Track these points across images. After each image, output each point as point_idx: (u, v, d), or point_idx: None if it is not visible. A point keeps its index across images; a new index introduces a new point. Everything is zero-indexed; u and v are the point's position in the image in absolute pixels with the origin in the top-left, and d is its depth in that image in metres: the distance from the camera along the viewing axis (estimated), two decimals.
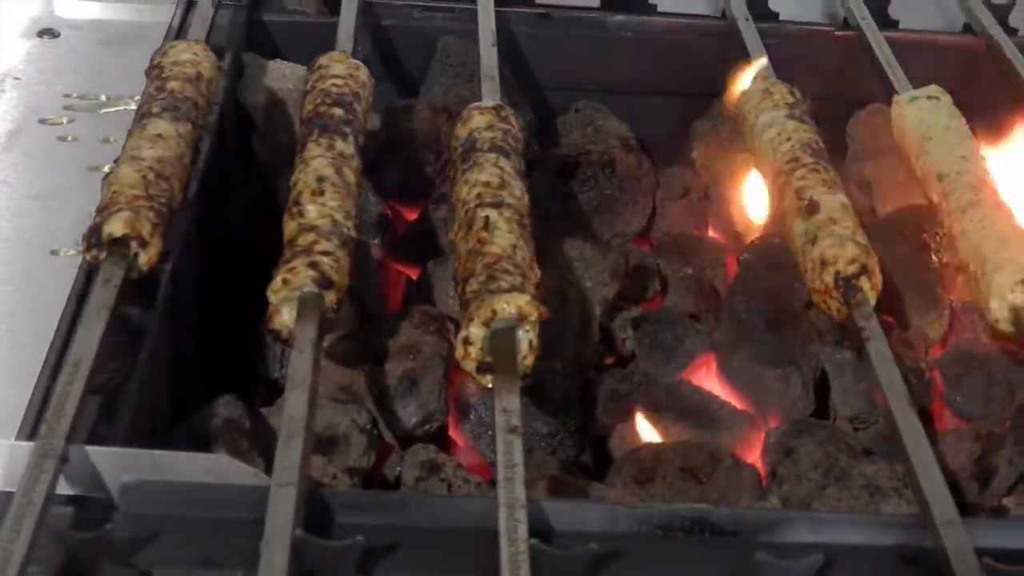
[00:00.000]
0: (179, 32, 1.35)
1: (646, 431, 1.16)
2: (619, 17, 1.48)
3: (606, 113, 1.47)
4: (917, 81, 1.25)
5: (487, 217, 0.95)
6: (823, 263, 0.96)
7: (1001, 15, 1.44)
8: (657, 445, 1.12)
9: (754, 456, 1.14)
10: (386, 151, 1.36)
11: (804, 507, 1.05)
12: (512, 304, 0.88)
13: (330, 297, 0.92)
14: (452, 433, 1.16)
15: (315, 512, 0.82)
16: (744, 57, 1.28)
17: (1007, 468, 1.12)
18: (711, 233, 1.41)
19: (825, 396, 1.19)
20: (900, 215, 1.29)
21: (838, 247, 0.96)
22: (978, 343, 1.23)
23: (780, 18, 1.46)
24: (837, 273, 0.95)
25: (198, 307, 1.19)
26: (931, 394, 1.20)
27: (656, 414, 1.16)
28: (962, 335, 1.25)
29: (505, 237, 0.94)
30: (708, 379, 1.22)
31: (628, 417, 1.16)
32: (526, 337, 0.89)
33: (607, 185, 1.36)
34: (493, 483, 1.09)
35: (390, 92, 1.45)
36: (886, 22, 1.45)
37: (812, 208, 0.99)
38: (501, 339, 0.89)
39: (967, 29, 1.45)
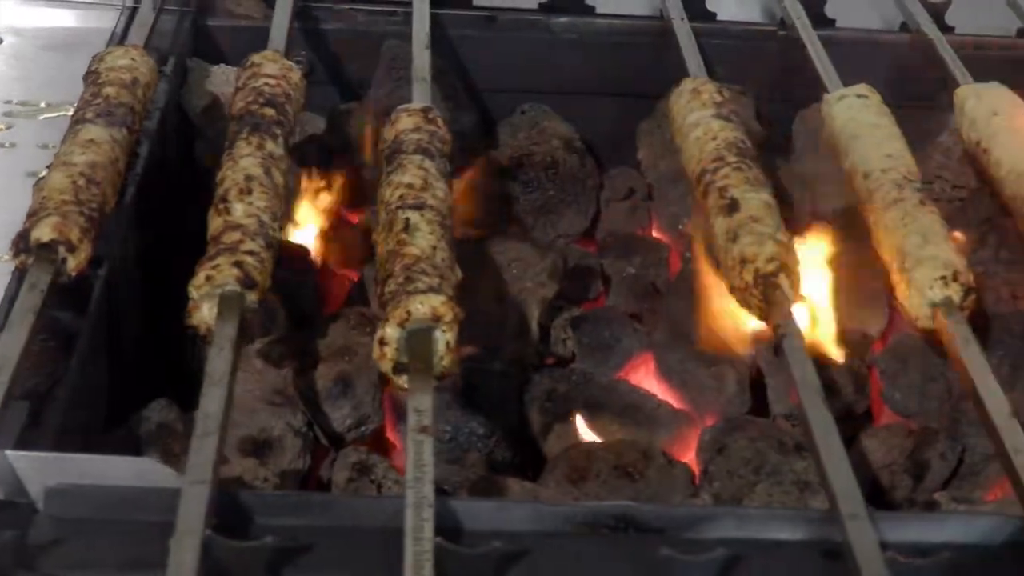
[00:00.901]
0: (122, 38, 1.36)
1: (583, 430, 1.17)
2: (564, 19, 1.49)
3: (551, 115, 1.47)
4: (854, 79, 1.26)
5: (407, 219, 0.96)
6: (743, 261, 0.96)
7: (937, 12, 1.45)
8: (590, 444, 1.13)
9: (691, 454, 1.15)
10: (329, 154, 1.37)
11: (735, 503, 1.06)
12: (427, 305, 0.88)
13: (251, 297, 0.93)
14: (389, 435, 1.16)
15: (233, 513, 0.82)
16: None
17: (940, 463, 1.13)
18: (654, 233, 1.41)
19: (764, 394, 1.21)
20: (842, 213, 1.29)
21: (758, 245, 0.96)
22: (916, 340, 1.23)
23: (718, 18, 1.46)
24: (756, 271, 0.96)
25: (136, 310, 1.19)
26: (868, 391, 1.20)
27: (593, 413, 1.17)
28: (902, 332, 1.26)
29: (425, 238, 0.94)
30: (647, 378, 1.23)
31: (565, 417, 1.17)
32: (443, 338, 0.90)
33: (550, 186, 1.36)
34: None
35: (335, 95, 1.46)
36: (822, 21, 1.45)
37: (733, 206, 1.00)
38: (418, 339, 0.89)
39: (904, 27, 1.45)
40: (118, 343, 1.15)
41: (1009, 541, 0.83)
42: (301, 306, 1.21)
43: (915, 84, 1.36)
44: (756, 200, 1.01)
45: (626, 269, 1.33)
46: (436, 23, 1.43)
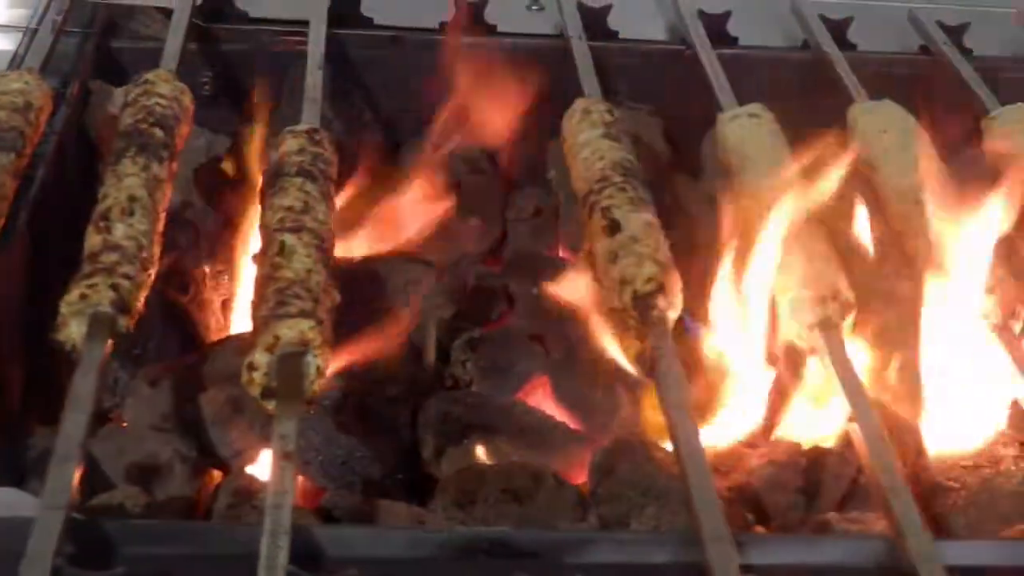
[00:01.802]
0: (22, 61, 1.34)
1: (477, 454, 1.16)
2: (469, 39, 1.48)
3: (460, 134, 1.46)
4: (757, 98, 1.26)
5: (283, 242, 0.95)
6: (622, 282, 0.96)
7: (839, 30, 1.45)
8: (480, 467, 1.12)
9: (586, 476, 1.14)
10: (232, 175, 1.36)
11: (622, 526, 1.05)
12: (295, 329, 0.88)
13: (123, 322, 0.92)
14: None
15: (94, 542, 0.81)
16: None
17: (833, 483, 1.12)
18: (561, 253, 1.41)
19: None
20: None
21: (636, 266, 0.96)
22: None
23: (625, 37, 1.46)
24: (635, 292, 0.95)
25: (26, 335, 1.18)
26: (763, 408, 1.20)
27: (487, 436, 1.16)
28: None
29: (301, 262, 0.94)
30: (545, 400, 1.22)
31: (459, 440, 1.16)
32: (314, 362, 0.89)
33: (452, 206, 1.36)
34: (318, 510, 1.10)
35: (239, 116, 1.45)
36: (725, 39, 1.45)
37: (615, 227, 0.99)
38: (287, 364, 0.88)
39: (805, 45, 1.46)
40: (4, 369, 1.13)
41: (874, 562, 0.83)
42: (193, 330, 1.20)
43: (816, 102, 1.36)
44: (638, 220, 1.00)
45: (531, 289, 1.32)
46: (339, 43, 1.43)
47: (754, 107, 1.18)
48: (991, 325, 0.97)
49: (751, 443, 1.17)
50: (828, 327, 0.96)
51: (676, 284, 0.97)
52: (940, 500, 1.12)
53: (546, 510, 1.08)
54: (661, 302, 0.95)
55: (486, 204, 1.38)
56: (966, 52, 1.47)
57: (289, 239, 0.95)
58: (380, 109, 1.50)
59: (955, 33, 1.49)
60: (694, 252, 1.33)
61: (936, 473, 1.13)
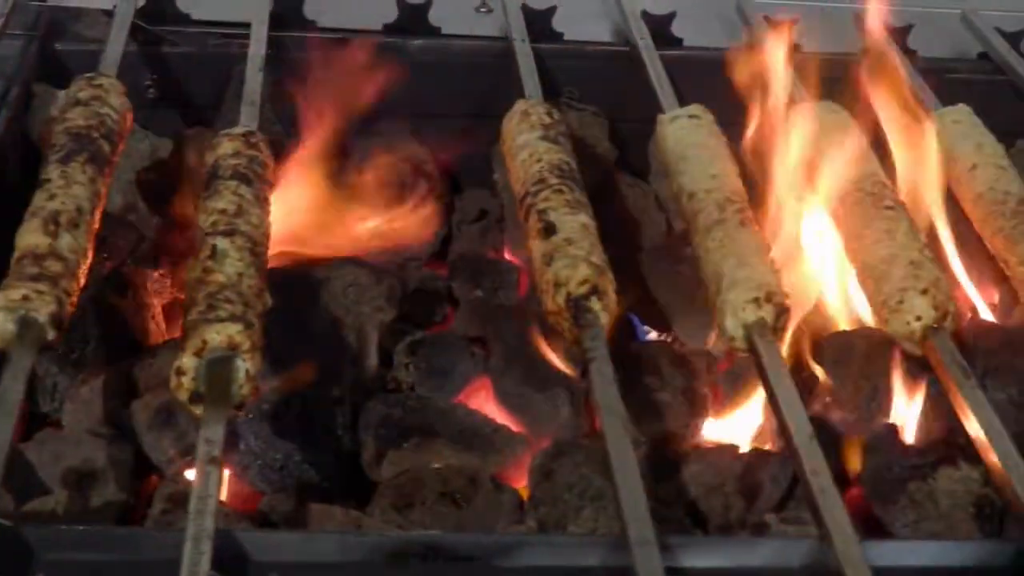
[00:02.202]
0: None
1: (417, 457, 1.15)
2: (419, 41, 1.48)
3: (405, 135, 1.46)
4: (699, 99, 1.26)
5: (215, 246, 0.94)
6: (556, 284, 0.96)
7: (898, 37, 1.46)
8: (418, 471, 1.11)
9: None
10: (173, 179, 1.35)
11: (560, 529, 1.05)
12: (223, 334, 0.87)
13: (53, 336, 0.91)
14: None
15: (13, 549, 0.81)
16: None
17: (771, 485, 1.12)
18: (506, 255, 1.40)
19: None
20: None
21: (571, 268, 0.96)
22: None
23: (572, 39, 1.46)
24: (568, 294, 0.95)
25: None
26: (705, 411, 1.20)
27: (427, 439, 1.15)
28: None
29: (233, 265, 0.93)
30: (487, 403, 1.22)
31: (399, 443, 1.15)
32: (243, 366, 0.88)
33: None
34: (256, 514, 1.10)
35: (183, 119, 1.44)
36: (669, 40, 1.45)
37: (550, 229, 0.99)
38: (216, 368, 0.88)
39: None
40: None
41: (802, 564, 0.82)
42: (133, 334, 1.19)
43: None
44: (574, 223, 1.00)
45: (474, 292, 1.32)
46: (284, 46, 1.43)
47: (694, 108, 1.18)
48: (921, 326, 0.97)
49: (693, 445, 1.17)
50: (763, 329, 0.96)
51: (611, 286, 0.96)
52: (883, 500, 1.12)
53: (484, 513, 1.08)
54: (595, 304, 0.95)
55: (429, 207, 1.37)
56: (909, 52, 1.48)
57: (221, 243, 0.95)
58: (326, 111, 1.49)
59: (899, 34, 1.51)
60: (639, 253, 1.34)
61: (880, 471, 1.14)
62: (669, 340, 1.29)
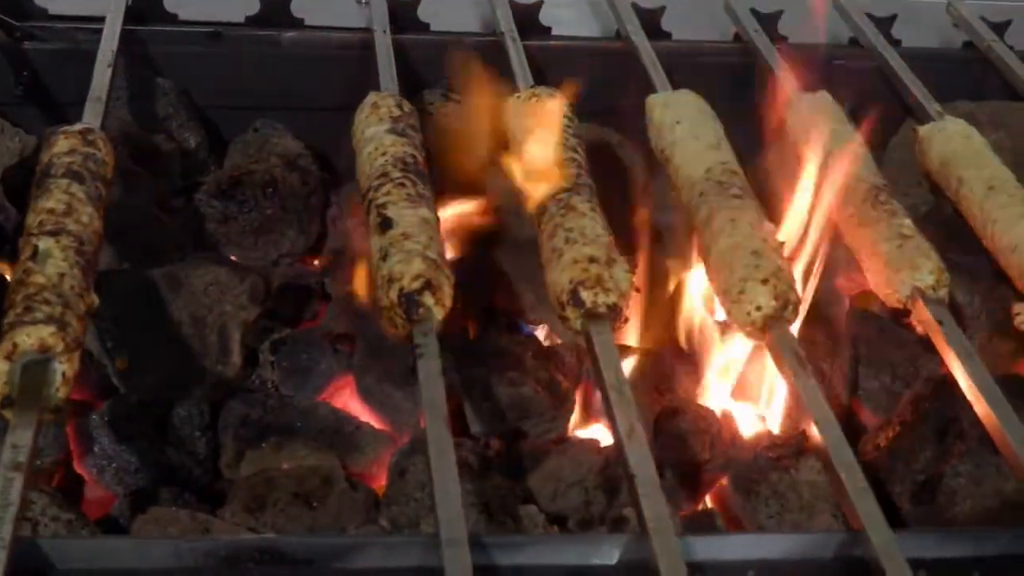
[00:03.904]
0: None
1: (276, 457, 1.14)
2: (292, 34, 1.46)
3: (282, 131, 1.44)
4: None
5: (37, 246, 0.92)
6: (390, 280, 0.94)
7: (769, 24, 1.46)
8: (272, 471, 1.09)
9: None
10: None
11: (413, 528, 1.04)
12: (34, 336, 0.85)
13: None
14: (77, 467, 1.12)
15: None
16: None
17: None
18: None
19: None
20: None
21: (405, 263, 0.94)
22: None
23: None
24: (401, 289, 0.93)
25: None
26: (570, 404, 1.18)
27: (286, 439, 1.13)
28: None
29: (56, 266, 0.91)
30: (352, 400, 1.20)
31: (258, 443, 1.13)
32: (60, 369, 0.86)
33: (268, 205, 1.33)
34: (107, 519, 1.08)
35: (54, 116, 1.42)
36: (537, 29, 1.43)
37: (387, 224, 0.97)
38: (29, 372, 0.86)
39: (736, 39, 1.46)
40: None
41: (620, 560, 0.81)
42: None
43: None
44: (413, 217, 0.98)
45: (346, 288, 1.30)
46: (152, 41, 1.40)
47: (542, 90, 1.17)
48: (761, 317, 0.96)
49: (556, 440, 1.16)
50: (597, 319, 0.94)
51: (447, 282, 0.95)
52: (745, 491, 1.11)
53: (337, 513, 1.06)
54: (428, 300, 0.93)
55: (302, 202, 1.35)
56: (895, 43, 1.48)
57: (44, 243, 0.93)
58: (208, 106, 1.47)
59: (884, 24, 1.50)
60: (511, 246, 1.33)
61: (742, 464, 1.13)
62: (541, 333, 1.28)
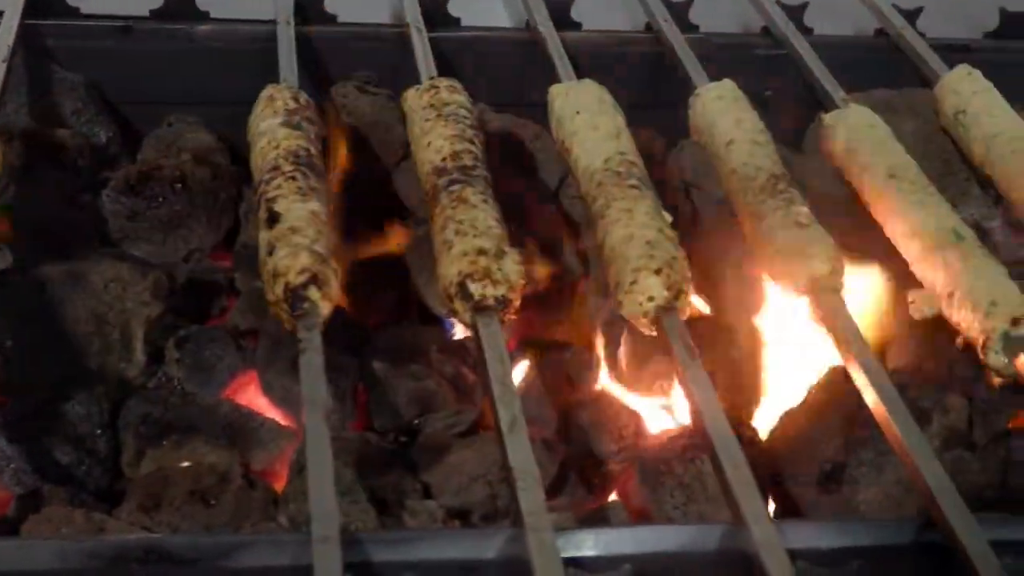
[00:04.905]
0: None
1: (177, 455, 1.12)
2: (206, 27, 1.44)
3: (196, 125, 1.42)
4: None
5: None
6: (275, 275, 0.93)
7: (680, 12, 1.45)
8: (168, 469, 1.08)
9: None
10: None
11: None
12: None
13: None
14: None
15: None
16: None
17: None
18: None
19: None
20: None
21: (291, 257, 0.93)
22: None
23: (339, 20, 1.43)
24: (287, 284, 0.92)
25: None
26: (476, 398, 1.17)
27: (187, 437, 1.12)
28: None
29: None
30: (258, 397, 1.19)
31: (159, 441, 1.12)
32: None
33: (176, 200, 1.31)
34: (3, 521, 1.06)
35: None
36: (446, 20, 1.42)
37: (274, 218, 0.96)
38: None
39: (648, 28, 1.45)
40: None
41: (496, 555, 0.80)
42: None
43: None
44: (302, 211, 0.97)
45: (254, 283, 1.28)
46: (62, 35, 1.39)
47: (441, 80, 1.16)
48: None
49: (461, 434, 1.15)
50: (485, 312, 0.93)
51: (334, 276, 0.93)
52: (651, 483, 1.11)
53: (234, 511, 1.05)
54: (313, 294, 0.92)
55: (212, 198, 1.34)
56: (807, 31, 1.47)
57: None
58: (122, 101, 1.45)
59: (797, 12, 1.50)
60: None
61: (649, 456, 1.12)
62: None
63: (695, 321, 1.22)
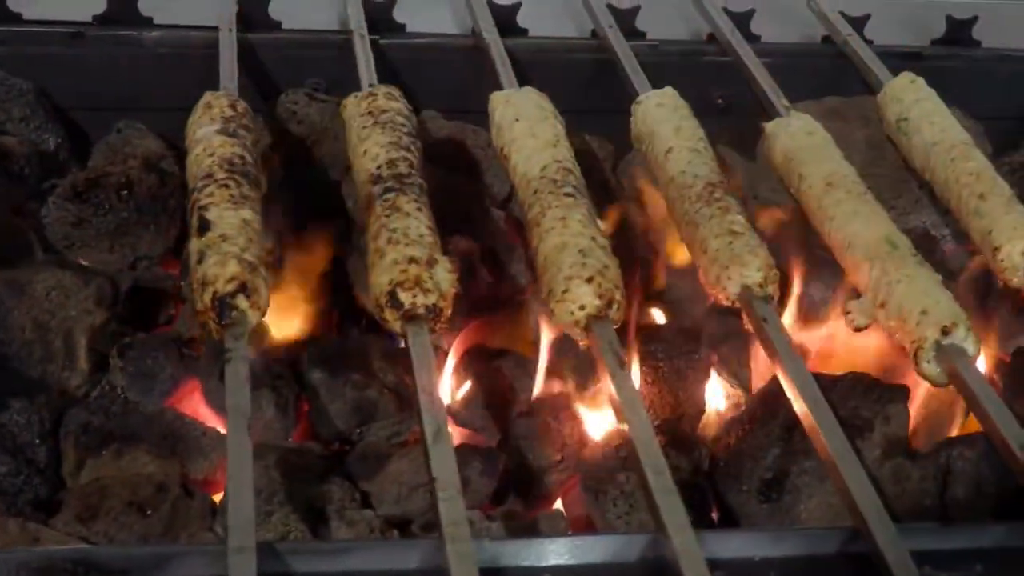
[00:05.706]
0: None
1: (117, 465, 1.12)
2: (156, 33, 1.44)
3: (145, 132, 1.42)
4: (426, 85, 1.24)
5: None
6: (203, 283, 0.92)
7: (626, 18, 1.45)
8: (106, 479, 1.08)
9: None
10: None
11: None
12: None
13: None
14: None
15: None
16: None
17: (481, 479, 1.11)
18: None
19: None
20: None
21: (220, 265, 0.92)
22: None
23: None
24: (215, 292, 0.92)
25: None
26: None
27: (127, 446, 1.12)
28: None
29: None
30: (202, 405, 1.19)
31: (99, 451, 1.12)
32: None
33: (123, 208, 1.30)
34: None
35: None
36: (392, 26, 1.42)
37: (205, 226, 0.96)
38: None
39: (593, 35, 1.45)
40: None
41: (418, 566, 0.80)
42: None
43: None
44: (233, 219, 0.97)
45: None
46: (11, 41, 1.39)
47: (379, 87, 1.16)
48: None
49: (402, 443, 1.15)
50: (415, 321, 0.93)
51: (263, 284, 0.93)
52: (594, 492, 1.11)
53: (171, 521, 1.05)
54: (242, 303, 0.92)
55: (160, 205, 1.33)
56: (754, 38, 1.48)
57: None
58: (71, 107, 1.44)
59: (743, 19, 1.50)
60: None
61: (591, 465, 1.12)
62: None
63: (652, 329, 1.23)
